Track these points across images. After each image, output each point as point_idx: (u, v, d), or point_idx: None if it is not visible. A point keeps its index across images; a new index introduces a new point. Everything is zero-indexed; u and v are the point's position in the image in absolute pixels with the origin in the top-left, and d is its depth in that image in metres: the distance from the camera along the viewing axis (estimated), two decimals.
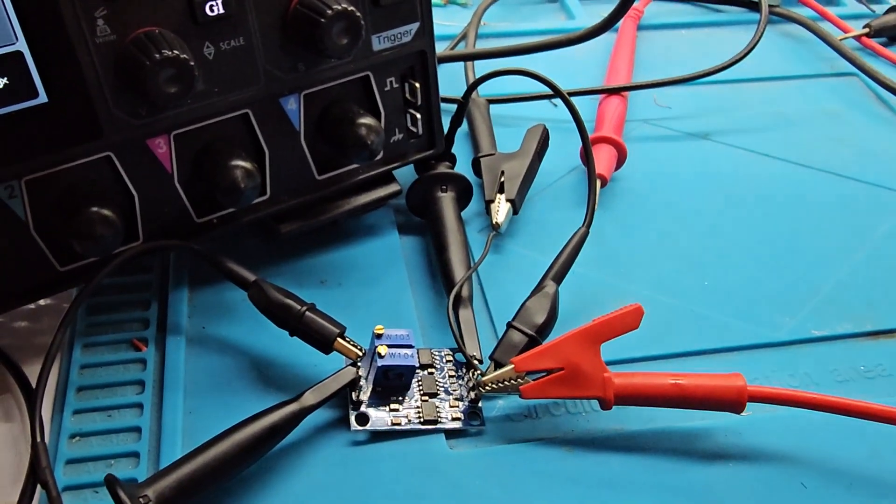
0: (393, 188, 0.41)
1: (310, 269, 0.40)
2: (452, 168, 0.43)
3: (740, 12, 0.62)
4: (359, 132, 0.36)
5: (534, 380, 0.33)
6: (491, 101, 0.49)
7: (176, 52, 0.30)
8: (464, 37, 0.56)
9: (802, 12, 0.60)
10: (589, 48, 0.57)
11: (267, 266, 0.40)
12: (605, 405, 0.32)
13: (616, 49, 0.55)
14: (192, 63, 0.31)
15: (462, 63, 0.53)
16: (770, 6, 0.58)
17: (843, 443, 0.33)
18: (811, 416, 0.33)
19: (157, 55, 0.30)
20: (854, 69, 0.56)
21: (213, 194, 0.35)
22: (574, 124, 0.41)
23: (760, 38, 0.51)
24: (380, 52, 0.37)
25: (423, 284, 0.40)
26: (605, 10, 0.44)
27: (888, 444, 0.33)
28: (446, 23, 0.59)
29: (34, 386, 0.32)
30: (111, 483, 0.28)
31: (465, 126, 0.48)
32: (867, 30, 0.59)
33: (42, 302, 0.38)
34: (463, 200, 0.42)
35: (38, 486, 0.30)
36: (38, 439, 0.30)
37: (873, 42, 0.58)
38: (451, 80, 0.52)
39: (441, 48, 0.55)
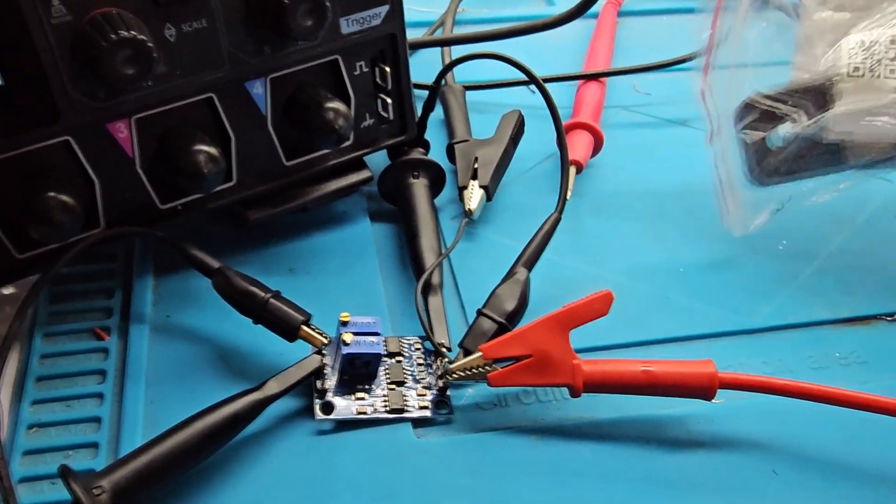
0: (364, 174, 0.40)
1: (279, 256, 0.39)
2: (426, 154, 0.42)
3: None
4: (326, 117, 0.36)
5: (502, 367, 0.32)
6: (468, 88, 0.49)
7: (133, 32, 0.29)
8: (442, 23, 0.56)
9: None
10: (569, 34, 0.56)
11: (235, 254, 0.39)
12: (574, 393, 0.32)
13: (596, 35, 0.55)
14: (151, 44, 0.30)
15: (440, 50, 0.52)
16: None
17: (816, 430, 0.33)
18: (784, 402, 0.32)
19: (114, 36, 0.29)
20: None
21: (177, 180, 0.34)
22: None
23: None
24: (348, 36, 0.37)
25: (395, 272, 0.39)
26: None
27: (861, 431, 0.33)
28: (425, 9, 0.58)
29: None
30: (65, 474, 0.27)
31: (442, 113, 0.48)
32: None
33: (5, 292, 0.37)
34: (436, 187, 0.42)
35: None
36: None
37: None
38: (429, 66, 0.51)
39: (420, 34, 0.55)
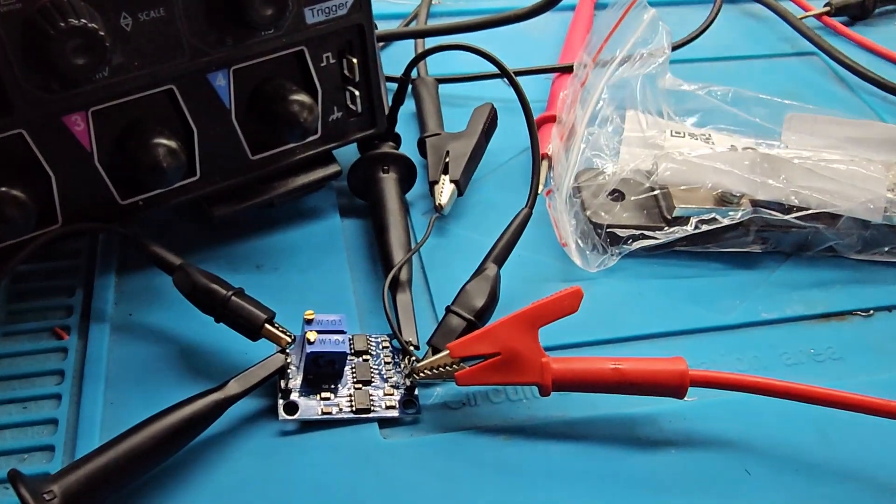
0: (332, 169, 0.40)
1: (245, 253, 0.39)
2: (397, 148, 0.41)
3: None
4: (292, 109, 0.35)
5: (470, 366, 0.31)
6: (440, 81, 0.48)
7: (84, 21, 0.28)
8: (416, 15, 0.55)
9: None
10: (546, 27, 0.56)
11: (200, 251, 0.38)
12: (544, 391, 0.31)
13: (572, 28, 0.54)
14: (103, 33, 0.29)
15: (413, 43, 0.51)
16: None
17: (789, 427, 0.32)
18: (756, 400, 0.32)
19: (63, 24, 0.28)
20: (815, 48, 0.55)
21: (137, 174, 0.33)
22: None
23: (717, 14, 0.50)
24: (314, 26, 0.36)
25: (364, 269, 0.39)
26: None
27: (834, 428, 0.32)
28: (400, 1, 0.58)
29: None
30: (14, 478, 0.26)
31: (414, 106, 0.47)
32: (828, 8, 0.58)
33: None
34: (406, 182, 0.41)
35: None
36: None
37: (834, 21, 0.58)
38: (403, 60, 0.50)
39: (394, 27, 0.54)
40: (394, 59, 0.46)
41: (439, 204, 0.39)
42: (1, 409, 0.32)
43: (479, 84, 0.49)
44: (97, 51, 0.29)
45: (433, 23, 0.54)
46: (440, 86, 0.48)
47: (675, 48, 0.49)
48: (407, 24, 0.54)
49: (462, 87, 0.49)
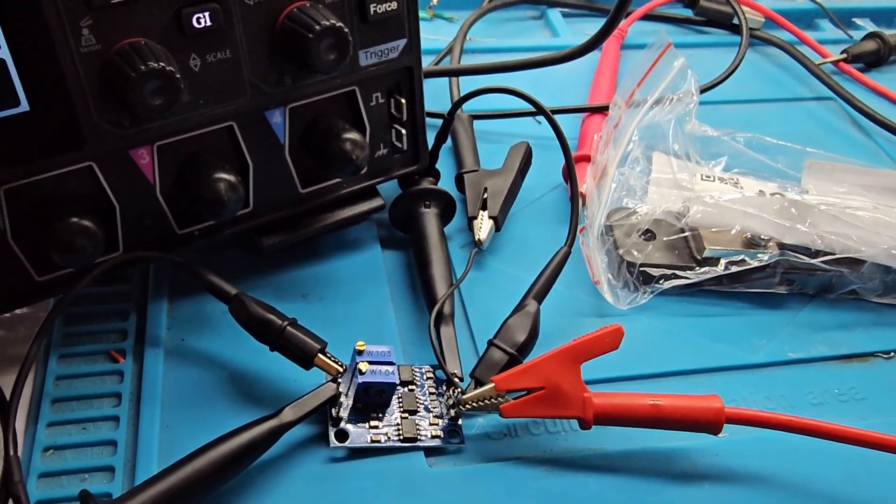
0: (376, 203, 0.41)
1: (291, 282, 0.40)
2: (436, 184, 0.43)
3: (722, 34, 0.63)
4: (344, 147, 0.36)
5: (514, 398, 0.33)
6: (475, 117, 0.50)
7: (162, 63, 0.30)
8: (449, 51, 0.56)
9: (782, 36, 0.61)
10: (573, 66, 0.57)
11: (248, 279, 0.40)
12: (585, 425, 0.33)
13: (599, 68, 0.56)
14: (178, 75, 0.30)
15: (447, 78, 0.53)
16: (751, 29, 0.59)
17: (818, 465, 0.34)
18: (787, 438, 0.33)
19: (143, 66, 0.30)
20: (832, 93, 0.57)
21: (196, 206, 0.35)
22: (557, 142, 0.41)
23: (741, 60, 0.51)
24: (366, 68, 0.37)
25: (405, 300, 0.40)
26: (589, 27, 0.44)
27: (862, 467, 0.34)
28: (432, 37, 0.59)
29: (8, 397, 0.32)
30: (85, 498, 0.28)
31: (448, 141, 0.48)
32: (844, 55, 0.60)
33: (18, 311, 0.37)
34: (446, 216, 0.42)
35: (10, 501, 0.29)
36: (12, 452, 0.30)
37: (850, 67, 0.59)
38: (435, 94, 0.52)
39: (426, 62, 0.56)
40: (428, 95, 0.48)
41: (479, 239, 0.41)
42: (61, 430, 0.33)
43: (512, 121, 0.51)
44: (172, 92, 0.31)
45: (466, 59, 0.56)
46: (474, 122, 0.49)
47: (701, 92, 0.50)
48: (440, 60, 0.56)
49: (494, 123, 0.51)
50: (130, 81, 0.30)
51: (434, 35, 0.60)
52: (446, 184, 0.44)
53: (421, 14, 0.62)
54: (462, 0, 0.63)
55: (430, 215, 0.41)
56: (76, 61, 0.30)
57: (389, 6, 0.36)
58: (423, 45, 0.57)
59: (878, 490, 0.33)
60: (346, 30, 0.33)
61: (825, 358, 0.39)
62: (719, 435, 0.33)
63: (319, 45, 0.33)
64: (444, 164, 0.46)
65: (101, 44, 0.30)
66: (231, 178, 0.34)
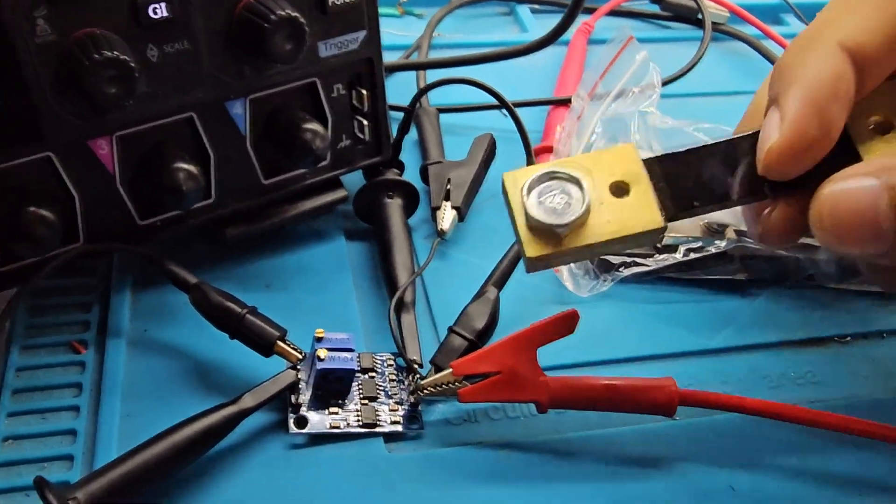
0: (340, 194, 0.41)
1: (256, 273, 0.40)
2: (401, 175, 0.43)
3: (688, 29, 0.64)
4: (305, 137, 0.37)
5: (472, 384, 0.33)
6: (441, 111, 0.50)
7: (116, 52, 0.30)
8: (418, 47, 0.57)
9: (747, 31, 0.62)
10: (542, 62, 0.58)
11: (213, 270, 0.40)
12: (541, 408, 0.33)
13: (566, 62, 0.57)
14: (133, 64, 0.31)
15: (415, 73, 0.54)
16: (715, 24, 0.60)
17: (772, 446, 0.34)
18: (741, 420, 0.34)
19: (98, 56, 0.30)
20: None
21: (157, 196, 0.35)
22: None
23: (704, 53, 0.52)
24: (327, 59, 0.38)
25: (369, 290, 0.40)
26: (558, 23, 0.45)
27: (816, 448, 0.34)
28: (402, 33, 0.60)
29: None
30: (40, 485, 0.28)
31: (416, 134, 0.49)
32: None
33: None
34: (410, 207, 0.43)
35: None
36: None
37: None
38: (404, 89, 0.52)
39: (396, 58, 0.56)
40: (396, 89, 0.48)
41: (441, 229, 0.41)
42: (21, 420, 0.33)
43: (478, 114, 0.51)
44: (128, 81, 0.31)
45: (434, 55, 0.56)
46: (441, 115, 0.50)
47: (663, 84, 0.51)
48: (409, 56, 0.56)
49: (461, 116, 0.51)
50: (85, 70, 0.30)
51: (404, 31, 0.60)
52: (412, 176, 0.44)
53: (390, 10, 0.63)
54: None
55: (393, 206, 0.41)
56: (32, 52, 0.30)
57: None
58: (393, 41, 0.59)
59: (830, 468, 0.34)
60: (303, 20, 0.34)
61: (782, 343, 0.39)
62: (675, 418, 0.34)
63: (276, 35, 0.33)
64: (411, 158, 0.47)
65: (56, 34, 0.31)
66: (190, 167, 0.34)
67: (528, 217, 0.29)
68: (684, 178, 0.30)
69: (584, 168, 0.30)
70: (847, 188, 0.26)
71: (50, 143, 0.32)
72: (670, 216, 0.29)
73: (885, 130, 0.29)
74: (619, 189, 0.30)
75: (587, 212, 0.29)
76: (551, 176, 0.29)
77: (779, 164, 0.28)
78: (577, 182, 0.29)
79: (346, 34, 0.38)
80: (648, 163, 0.30)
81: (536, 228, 0.29)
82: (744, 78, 0.60)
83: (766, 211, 0.30)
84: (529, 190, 0.29)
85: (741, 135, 0.31)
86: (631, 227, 0.29)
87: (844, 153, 0.29)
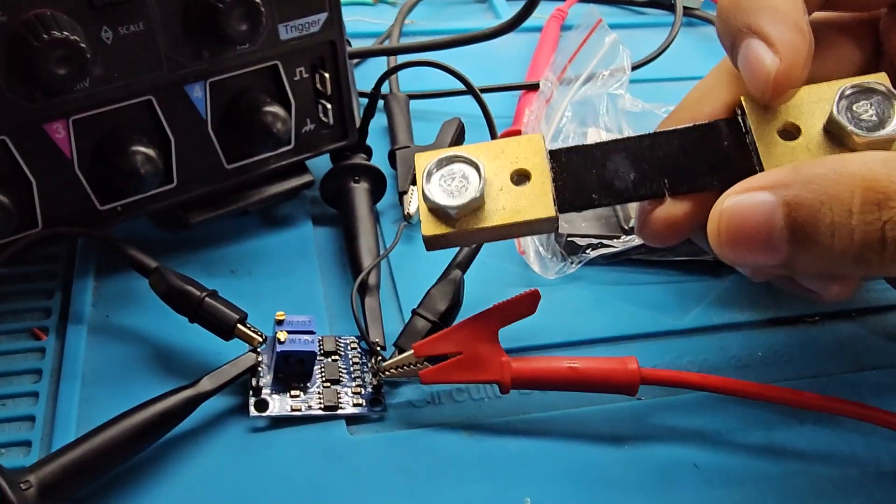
0: (305, 178, 0.41)
1: (220, 258, 0.40)
2: (368, 160, 0.43)
3: (661, 15, 0.64)
4: (265, 120, 0.36)
5: (434, 365, 0.33)
6: (412, 97, 0.50)
7: (66, 33, 0.30)
8: (389, 35, 0.57)
9: None
10: (515, 48, 0.58)
11: (177, 256, 0.39)
12: (503, 388, 0.33)
13: (538, 48, 0.56)
14: (84, 45, 0.30)
15: (387, 60, 0.53)
16: (687, 8, 0.60)
17: (736, 424, 0.34)
18: (704, 398, 0.33)
19: (46, 36, 0.30)
20: None
21: (115, 181, 0.35)
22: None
23: (675, 37, 0.52)
24: (287, 41, 0.37)
25: (335, 274, 0.40)
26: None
27: (781, 426, 0.34)
28: (375, 20, 0.60)
29: None
30: None
31: (386, 120, 0.49)
32: None
33: None
34: (376, 192, 0.43)
35: None
36: None
37: None
38: (376, 76, 0.52)
39: (369, 45, 0.56)
40: (368, 76, 0.48)
41: (408, 213, 0.41)
42: None
43: (450, 100, 0.51)
44: (78, 62, 0.30)
45: (405, 41, 0.56)
46: (412, 101, 0.50)
47: (634, 68, 0.51)
48: (381, 42, 0.56)
49: (433, 102, 0.51)
50: (35, 51, 0.30)
51: (377, 19, 0.60)
52: (381, 162, 0.44)
53: None
54: None
55: (359, 190, 0.41)
56: None
57: None
58: (367, 28, 0.58)
59: (795, 445, 0.34)
60: (258, 0, 0.33)
61: (751, 323, 0.39)
62: (639, 398, 0.34)
63: (231, 16, 0.33)
64: (381, 144, 0.47)
65: (6, 15, 0.30)
66: (149, 151, 0.34)
67: (425, 197, 0.29)
68: (587, 172, 0.30)
69: (489, 154, 0.30)
70: (743, 202, 0.27)
71: (3, 127, 0.32)
72: (565, 207, 0.30)
73: (791, 137, 0.29)
74: (521, 177, 0.30)
75: (481, 196, 0.29)
76: (452, 160, 0.30)
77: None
78: (476, 167, 0.29)
79: (306, 16, 0.37)
80: (555, 154, 0.30)
81: (433, 209, 0.30)
82: (715, 62, 0.59)
83: (650, 207, 0.31)
84: (431, 172, 0.30)
85: (651, 132, 0.31)
86: (523, 215, 0.29)
87: (746, 158, 0.29)
